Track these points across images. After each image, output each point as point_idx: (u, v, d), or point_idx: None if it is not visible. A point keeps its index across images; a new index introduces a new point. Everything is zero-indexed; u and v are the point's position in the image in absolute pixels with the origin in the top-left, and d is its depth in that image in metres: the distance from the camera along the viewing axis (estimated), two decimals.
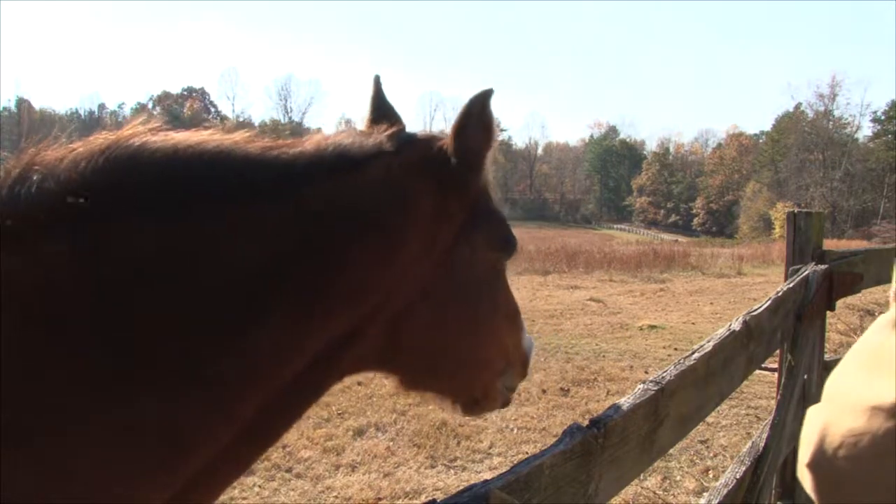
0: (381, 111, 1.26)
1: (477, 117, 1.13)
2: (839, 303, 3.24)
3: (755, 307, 2.31)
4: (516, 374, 1.37)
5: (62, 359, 0.77)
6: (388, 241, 1.05)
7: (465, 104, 1.14)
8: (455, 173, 1.14)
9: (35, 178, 0.83)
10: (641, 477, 4.55)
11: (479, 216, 1.20)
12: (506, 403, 1.41)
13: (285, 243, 0.94)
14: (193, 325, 0.85)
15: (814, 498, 0.87)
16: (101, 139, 0.90)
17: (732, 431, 5.89)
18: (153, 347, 0.82)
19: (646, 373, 7.60)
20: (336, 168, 1.04)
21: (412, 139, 1.16)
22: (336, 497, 4.64)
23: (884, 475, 0.78)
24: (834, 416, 0.87)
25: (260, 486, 4.75)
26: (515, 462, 1.02)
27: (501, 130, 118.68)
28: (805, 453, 0.88)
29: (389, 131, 1.14)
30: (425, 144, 1.16)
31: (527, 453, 4.27)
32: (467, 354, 1.23)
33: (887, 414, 0.79)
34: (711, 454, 5.42)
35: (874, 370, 0.86)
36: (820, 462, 0.85)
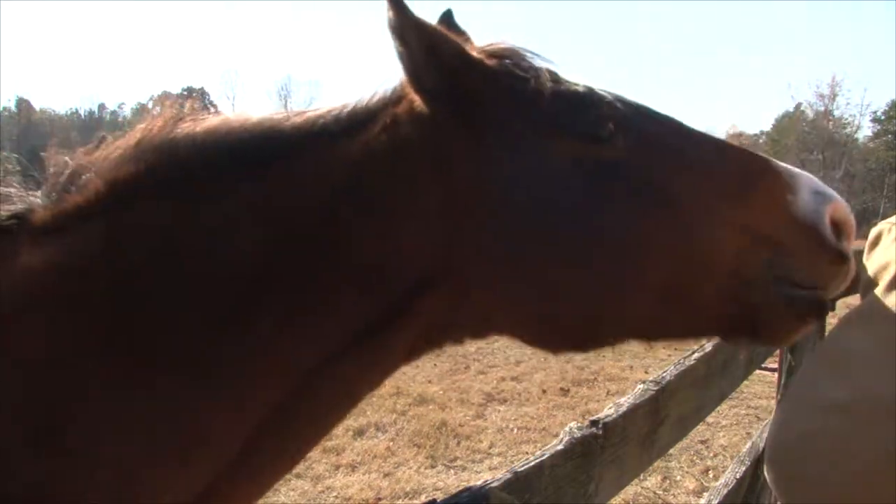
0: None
1: (400, 29, 0.91)
2: (839, 303, 3.23)
3: None
4: (802, 258, 0.89)
5: (82, 350, 0.79)
6: (383, 210, 0.92)
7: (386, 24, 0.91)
8: (428, 99, 0.94)
9: (82, 174, 0.89)
10: (641, 477, 4.54)
11: (508, 119, 0.94)
12: (820, 310, 0.93)
13: (278, 224, 0.90)
14: (196, 315, 0.85)
15: (775, 494, 0.87)
16: (137, 132, 0.93)
17: (732, 431, 5.89)
18: (162, 337, 0.83)
19: (646, 373, 7.59)
20: (337, 132, 0.95)
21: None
22: (336, 497, 4.64)
23: (837, 472, 0.78)
24: (792, 414, 0.87)
25: None
26: (515, 462, 1.02)
27: None
28: (766, 449, 0.89)
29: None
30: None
31: (527, 453, 4.27)
32: (628, 286, 0.90)
33: (841, 412, 0.79)
34: (711, 454, 5.42)
35: (832, 368, 0.86)
36: (777, 459, 0.85)
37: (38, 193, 0.91)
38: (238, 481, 0.89)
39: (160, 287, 0.84)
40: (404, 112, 0.97)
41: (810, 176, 0.92)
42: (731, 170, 0.93)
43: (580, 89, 0.97)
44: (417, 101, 0.95)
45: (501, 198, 0.91)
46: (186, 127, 0.93)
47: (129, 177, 0.88)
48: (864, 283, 0.99)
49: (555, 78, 0.99)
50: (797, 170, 0.93)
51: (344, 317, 0.91)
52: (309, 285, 0.89)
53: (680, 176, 0.92)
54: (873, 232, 1.04)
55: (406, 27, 0.90)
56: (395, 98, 0.99)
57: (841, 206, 0.90)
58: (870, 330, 0.85)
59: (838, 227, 0.90)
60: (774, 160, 0.94)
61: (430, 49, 0.93)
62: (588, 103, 0.95)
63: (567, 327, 0.94)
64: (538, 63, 1.00)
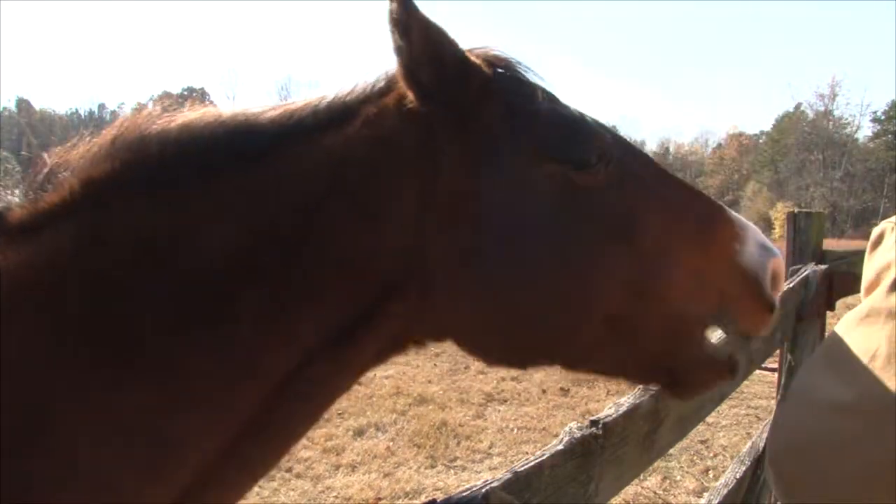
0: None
1: (403, 23, 0.89)
2: (839, 303, 3.24)
3: None
4: (746, 313, 0.92)
5: (58, 352, 0.78)
6: (365, 208, 0.91)
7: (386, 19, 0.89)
8: (421, 102, 0.93)
9: (59, 172, 0.88)
10: (641, 477, 4.54)
11: (497, 133, 0.94)
12: (733, 370, 0.96)
13: (256, 220, 0.88)
14: (172, 316, 0.83)
15: (775, 494, 0.87)
16: (111, 128, 0.92)
17: (732, 431, 5.89)
18: (138, 339, 0.81)
19: None
20: (315, 127, 0.93)
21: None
22: (336, 497, 4.64)
23: (841, 473, 0.78)
24: (794, 414, 0.87)
25: (260, 486, 4.74)
26: (515, 462, 1.01)
27: None
28: (768, 450, 0.88)
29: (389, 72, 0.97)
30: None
31: (527, 453, 4.27)
32: (576, 314, 0.91)
33: (845, 413, 0.79)
34: (711, 454, 5.42)
35: (835, 368, 0.86)
36: (780, 459, 0.85)
37: (17, 192, 0.89)
38: (216, 485, 0.88)
39: (135, 288, 0.82)
40: (391, 108, 0.95)
41: (756, 228, 0.96)
42: (693, 214, 0.96)
43: (575, 114, 0.97)
44: (409, 98, 0.94)
45: (479, 209, 0.92)
46: (162, 123, 0.92)
47: (104, 175, 0.87)
48: (866, 284, 0.99)
49: (550, 98, 0.98)
50: (746, 221, 0.97)
51: (323, 317, 0.90)
52: (288, 285, 0.88)
53: (648, 214, 0.93)
54: (875, 232, 1.04)
55: (410, 22, 0.89)
56: (379, 92, 0.97)
57: (780, 261, 0.95)
58: (873, 330, 0.85)
59: (774, 280, 0.94)
60: (728, 209, 0.97)
61: (432, 48, 0.92)
62: (581, 130, 0.95)
63: (514, 343, 0.96)
64: (533, 78, 1.00)
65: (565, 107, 0.99)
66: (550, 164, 0.92)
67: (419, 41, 0.90)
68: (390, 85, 0.97)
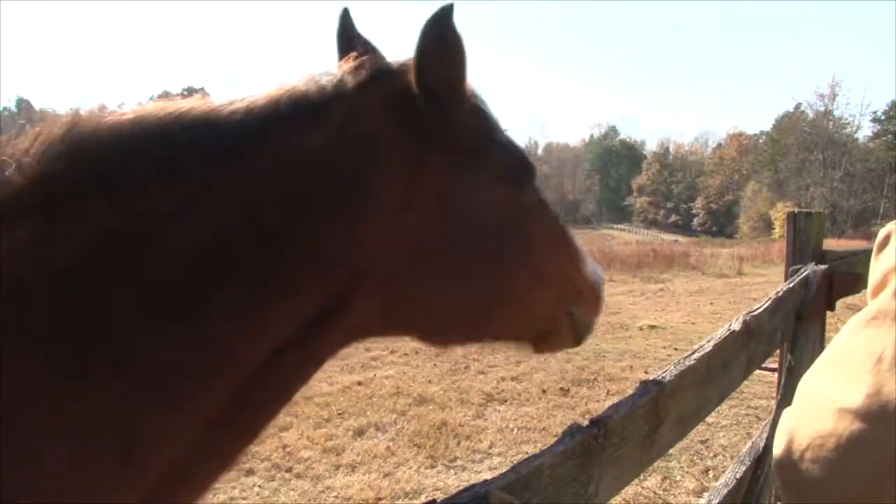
0: (351, 46, 1.08)
1: (438, 40, 0.97)
2: (839, 303, 3.24)
3: (755, 307, 2.31)
4: (586, 305, 1.29)
5: (19, 352, 0.75)
6: (354, 203, 0.94)
7: (422, 28, 0.96)
8: (426, 111, 0.99)
9: (4, 169, 0.81)
10: (641, 477, 4.55)
11: (474, 150, 1.07)
12: (579, 340, 1.32)
13: (231, 217, 0.86)
14: (142, 316, 0.81)
15: (781, 498, 0.86)
16: (59, 124, 0.87)
17: (732, 431, 5.89)
18: (106, 340, 0.79)
19: (646, 373, 7.60)
20: (289, 120, 0.93)
21: (379, 73, 1.01)
22: (336, 497, 4.64)
23: (848, 477, 0.77)
24: (801, 418, 0.87)
25: (260, 486, 4.74)
26: (515, 462, 1.02)
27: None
28: (774, 454, 0.88)
29: (355, 67, 0.99)
30: (394, 78, 1.01)
31: (527, 453, 4.27)
32: (500, 300, 1.13)
33: (853, 416, 0.78)
34: (711, 454, 5.42)
35: (842, 371, 0.85)
36: (787, 463, 0.85)
37: None
38: (186, 477, 0.88)
39: (98, 287, 0.80)
40: (378, 108, 0.98)
41: (588, 254, 1.30)
42: (561, 235, 1.25)
43: (517, 142, 1.18)
44: (405, 103, 0.99)
45: (447, 216, 1.04)
46: (113, 118, 0.88)
47: (58, 174, 0.82)
48: (872, 286, 0.99)
49: (500, 126, 1.17)
50: (583, 248, 1.29)
51: (299, 310, 0.92)
52: (265, 280, 0.88)
53: (540, 232, 1.19)
54: (881, 233, 1.04)
55: (450, 38, 0.98)
56: (357, 90, 0.98)
57: (603, 284, 1.35)
58: (880, 332, 0.85)
59: (601, 291, 1.34)
60: (574, 237, 1.28)
61: (458, 68, 1.02)
62: (523, 156, 1.16)
63: (461, 326, 1.15)
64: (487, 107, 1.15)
65: (507, 134, 1.18)
66: (503, 184, 1.10)
67: (451, 58, 1.00)
68: (367, 83, 0.99)
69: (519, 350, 1.30)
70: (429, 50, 0.97)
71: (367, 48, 1.10)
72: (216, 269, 0.85)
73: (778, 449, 0.87)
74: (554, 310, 1.23)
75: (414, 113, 0.99)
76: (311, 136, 0.93)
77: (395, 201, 0.98)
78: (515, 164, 1.12)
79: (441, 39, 0.98)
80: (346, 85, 0.98)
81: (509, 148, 1.13)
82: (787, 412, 0.91)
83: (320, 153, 0.93)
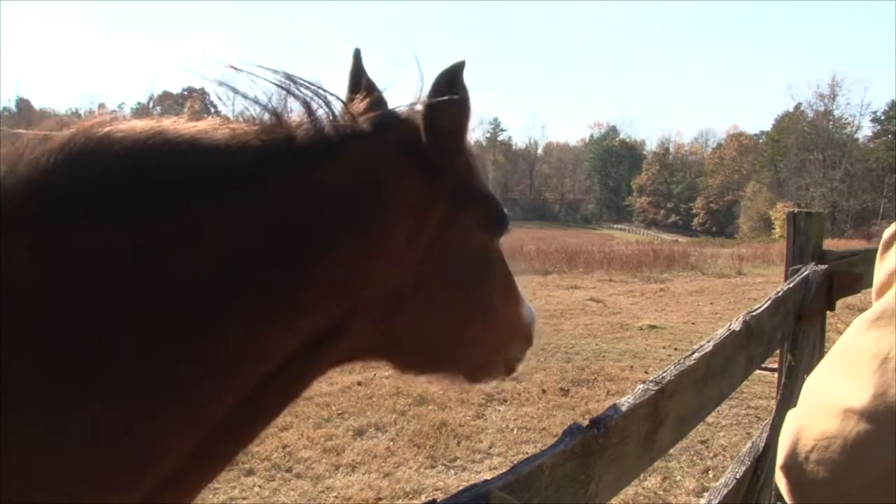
0: (359, 85, 1.17)
1: (450, 95, 1.05)
2: (839, 303, 3.24)
3: (755, 307, 2.31)
4: (521, 345, 1.40)
5: (19, 363, 0.75)
6: (368, 236, 1.00)
7: (434, 81, 1.05)
8: (433, 156, 1.08)
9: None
10: (641, 477, 4.55)
11: (466, 197, 1.16)
12: (511, 372, 1.43)
13: (251, 241, 0.89)
14: (152, 328, 0.82)
15: (787, 500, 0.86)
16: (64, 132, 0.86)
17: (732, 431, 5.89)
18: (111, 351, 0.79)
19: (646, 373, 7.60)
20: (308, 154, 0.97)
21: (391, 118, 1.08)
22: (336, 497, 4.64)
23: (854, 479, 0.77)
24: (807, 419, 0.86)
25: (260, 487, 4.75)
26: (515, 462, 1.02)
27: (501, 130, 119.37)
28: (780, 455, 0.88)
29: (366, 108, 1.06)
30: (405, 124, 1.08)
31: (527, 453, 4.28)
32: (467, 337, 1.23)
33: (859, 417, 0.78)
34: (711, 454, 5.43)
35: (848, 371, 0.85)
36: (792, 464, 0.85)
37: None
38: (182, 483, 0.90)
39: (102, 304, 0.80)
40: (390, 154, 1.05)
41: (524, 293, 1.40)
42: (512, 280, 1.35)
43: (493, 193, 1.27)
44: (417, 154, 1.07)
45: (440, 257, 1.12)
46: (123, 133, 0.87)
47: (58, 189, 0.81)
48: (877, 286, 0.99)
49: (486, 175, 1.27)
50: (522, 290, 1.39)
51: (306, 329, 0.96)
52: (276, 302, 0.91)
53: (502, 278, 1.29)
54: (887, 233, 1.03)
55: (461, 97, 1.06)
56: (367, 133, 1.04)
57: (536, 321, 1.43)
58: (885, 332, 0.84)
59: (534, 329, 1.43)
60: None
61: (463, 126, 1.12)
62: (500, 207, 1.24)
63: (436, 357, 1.24)
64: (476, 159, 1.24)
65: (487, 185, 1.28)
66: (483, 231, 1.21)
67: (458, 112, 1.09)
68: (381, 127, 1.05)
69: (452, 383, 1.40)
70: (440, 103, 1.05)
71: (372, 89, 1.17)
72: (229, 290, 0.87)
73: (783, 450, 0.87)
74: (503, 346, 1.35)
75: (423, 158, 1.07)
76: (330, 171, 0.98)
77: (402, 238, 1.05)
78: (495, 214, 1.23)
79: (452, 94, 1.05)
80: (361, 126, 1.04)
81: (490, 197, 1.24)
82: (791, 413, 0.90)
83: (338, 188, 0.98)
